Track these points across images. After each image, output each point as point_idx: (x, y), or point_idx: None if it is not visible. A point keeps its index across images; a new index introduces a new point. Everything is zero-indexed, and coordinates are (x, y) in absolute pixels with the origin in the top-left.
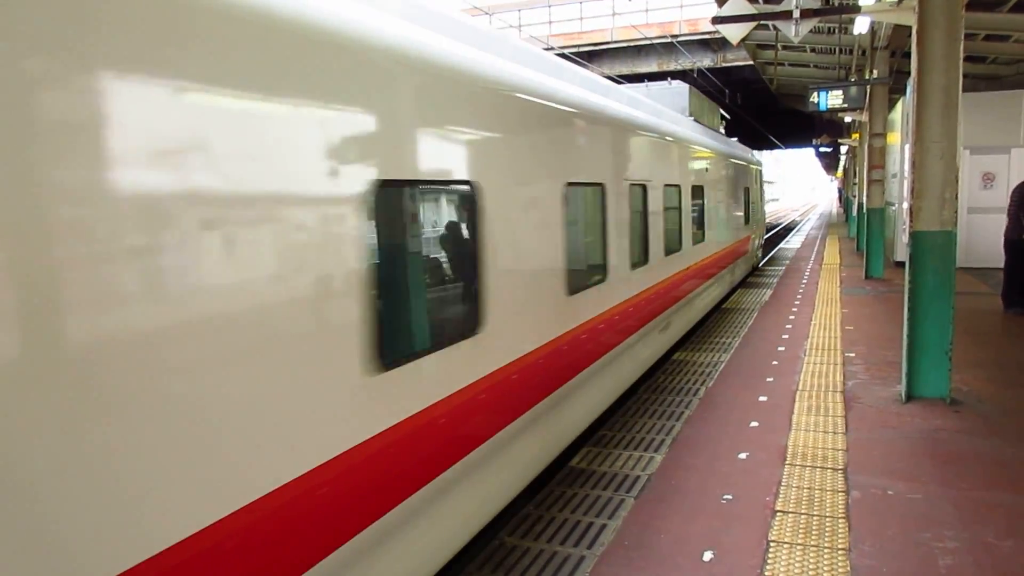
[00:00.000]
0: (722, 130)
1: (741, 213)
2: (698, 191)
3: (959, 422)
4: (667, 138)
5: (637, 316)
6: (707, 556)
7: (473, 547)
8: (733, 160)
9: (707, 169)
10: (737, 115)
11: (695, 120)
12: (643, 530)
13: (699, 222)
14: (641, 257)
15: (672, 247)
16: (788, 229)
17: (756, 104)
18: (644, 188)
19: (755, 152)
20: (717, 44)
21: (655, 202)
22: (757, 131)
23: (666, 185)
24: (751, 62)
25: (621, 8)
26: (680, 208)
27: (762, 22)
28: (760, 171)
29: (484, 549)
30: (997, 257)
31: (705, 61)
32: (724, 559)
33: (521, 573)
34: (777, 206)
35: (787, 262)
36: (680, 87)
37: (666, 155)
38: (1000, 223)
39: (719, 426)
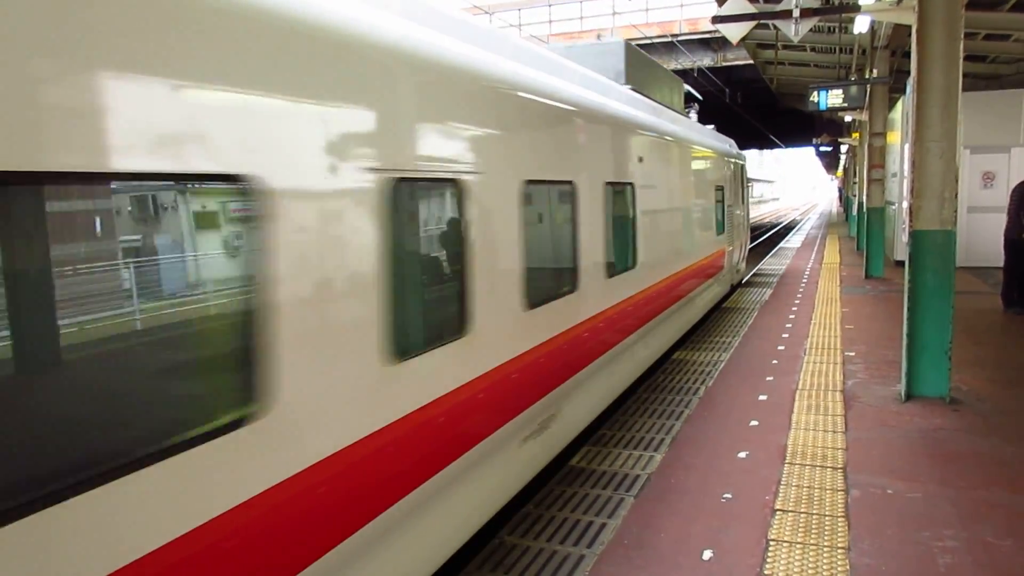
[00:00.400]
0: (694, 115)
1: (711, 220)
2: (624, 192)
3: (958, 421)
4: (549, 105)
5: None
6: (707, 555)
7: (473, 546)
8: (696, 149)
9: (644, 159)
10: (738, 114)
11: (634, 90)
12: (643, 529)
13: (625, 239)
14: (450, 323)
15: (559, 286)
16: (788, 228)
17: (757, 103)
18: (458, 186)
19: (761, 149)
20: (717, 43)
21: (503, 211)
22: (758, 130)
23: (532, 182)
24: (751, 61)
25: (621, 7)
26: (574, 218)
27: (762, 21)
28: (742, 166)
29: (484, 548)
30: (997, 256)
31: (705, 60)
32: (724, 558)
33: (521, 572)
34: (778, 205)
35: (787, 261)
36: (614, 46)
37: (549, 133)
38: (1000, 222)
39: (719, 425)
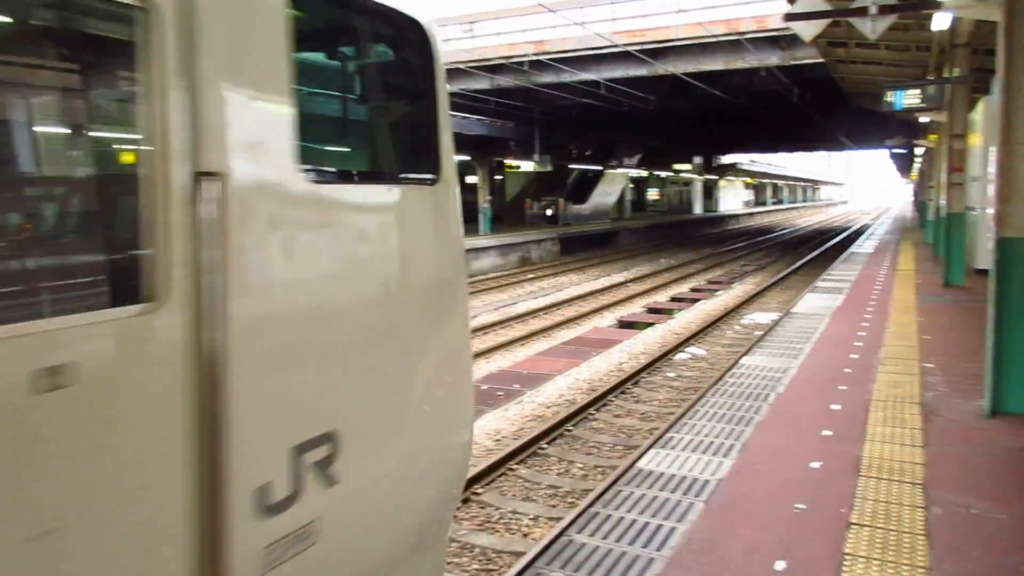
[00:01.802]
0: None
1: None
2: None
3: None
4: None
5: None
6: (779, 566)
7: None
8: None
9: None
10: (807, 115)
11: None
12: (713, 536)
13: None
14: None
15: None
16: (859, 233)
17: (825, 104)
18: None
19: (830, 151)
20: (785, 41)
21: None
22: (827, 131)
23: None
24: (821, 60)
25: (686, 5)
26: None
27: (836, 19)
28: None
29: (552, 545)
30: None
31: (772, 59)
32: (797, 570)
33: (590, 571)
34: (847, 208)
35: (860, 267)
36: None
37: None
38: None
39: (790, 433)
